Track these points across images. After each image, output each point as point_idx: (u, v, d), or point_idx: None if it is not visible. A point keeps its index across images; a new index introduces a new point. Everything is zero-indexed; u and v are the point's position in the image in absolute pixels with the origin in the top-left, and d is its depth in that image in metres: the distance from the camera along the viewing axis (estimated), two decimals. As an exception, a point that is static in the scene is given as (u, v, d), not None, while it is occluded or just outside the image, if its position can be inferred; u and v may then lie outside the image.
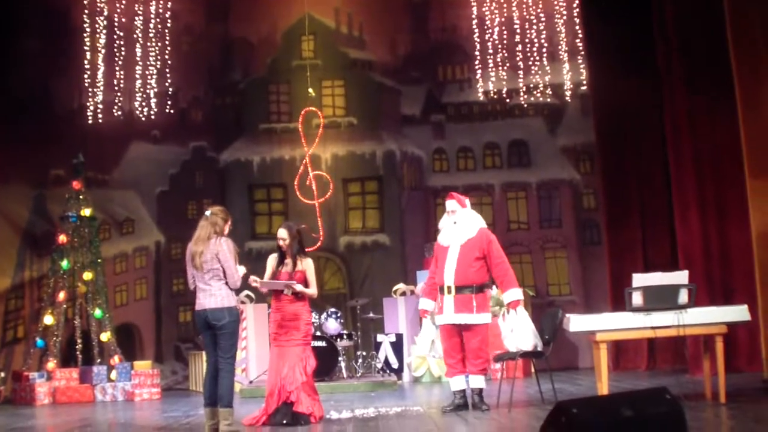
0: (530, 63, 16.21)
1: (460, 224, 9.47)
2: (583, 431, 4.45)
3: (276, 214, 16.37)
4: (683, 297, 8.62)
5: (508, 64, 16.30)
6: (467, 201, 9.67)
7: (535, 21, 16.20)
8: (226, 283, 8.18)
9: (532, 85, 16.30)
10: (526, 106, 16.46)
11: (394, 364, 14.35)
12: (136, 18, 16.36)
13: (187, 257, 8.33)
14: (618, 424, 4.51)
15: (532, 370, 13.55)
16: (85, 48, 16.10)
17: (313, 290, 9.21)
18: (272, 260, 9.26)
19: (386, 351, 14.48)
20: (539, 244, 16.27)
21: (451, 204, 9.58)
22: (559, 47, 16.16)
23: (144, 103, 16.26)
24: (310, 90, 16.01)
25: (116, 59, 16.20)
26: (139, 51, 16.19)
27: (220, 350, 8.18)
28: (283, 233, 9.15)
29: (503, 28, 16.26)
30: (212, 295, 8.16)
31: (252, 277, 8.90)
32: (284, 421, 8.74)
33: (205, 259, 8.15)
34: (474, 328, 9.25)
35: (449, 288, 9.28)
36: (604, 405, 4.85)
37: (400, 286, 14.73)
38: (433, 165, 16.59)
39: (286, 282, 9.01)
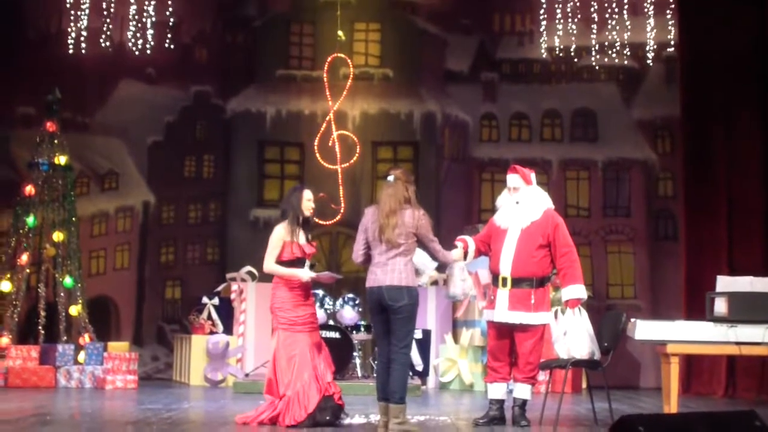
0: (606, 16, 16.04)
1: (524, 204, 9.42)
2: (652, 454, 4.32)
3: (289, 177, 16.33)
4: (779, 309, 8.56)
5: (579, 16, 16.16)
6: (533, 176, 9.62)
7: (615, -36, 16.06)
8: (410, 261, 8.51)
9: (606, 44, 16.16)
10: (597, 68, 16.37)
11: (419, 366, 14.30)
12: (135, -71, 16.29)
13: (369, 226, 8.55)
14: (694, 448, 4.38)
15: (584, 384, 13.52)
16: (69, -38, 16.06)
17: None
18: (284, 233, 9.13)
19: (410, 350, 14.42)
20: (601, 236, 16.23)
21: (513, 179, 9.52)
22: (644, -2, 16.02)
23: (138, 35, 16.19)
24: (340, 33, 15.91)
25: (107, -22, 16.17)
26: (135, -30, 16.16)
27: (394, 337, 8.46)
28: (312, 195, 9.28)
29: (576, -29, 16.14)
30: (392, 271, 8.42)
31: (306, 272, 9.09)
32: (336, 420, 8.95)
33: (399, 233, 8.41)
34: (530, 329, 9.23)
35: (504, 279, 9.26)
36: (677, 424, 4.72)
37: (433, 274, 14.61)
38: (480, 132, 16.55)
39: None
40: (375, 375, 8.88)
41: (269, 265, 9.09)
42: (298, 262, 9.09)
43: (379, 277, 8.46)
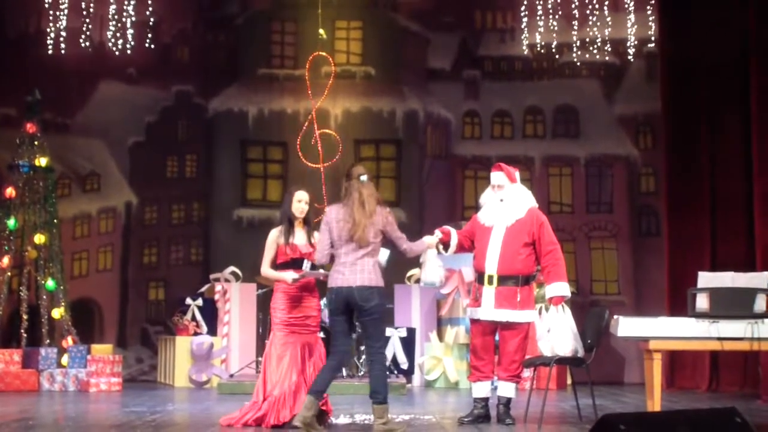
0: (587, 12, 16.10)
1: (508, 202, 9.43)
2: (633, 452, 4.38)
3: (272, 177, 16.35)
4: (760, 304, 8.56)
5: (560, 13, 16.20)
6: (517, 174, 9.63)
7: (596, -39, 16.09)
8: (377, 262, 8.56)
9: (587, 40, 16.23)
10: (579, 64, 16.42)
11: (404, 364, 14.33)
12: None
13: (333, 225, 8.52)
14: (676, 446, 4.43)
15: (569, 381, 13.56)
16: (47, -39, 16.02)
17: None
18: (276, 236, 9.16)
19: (395, 348, 14.43)
20: (584, 232, 16.28)
21: (498, 177, 9.51)
22: (625, -6, 16.06)
23: (118, 34, 16.16)
24: (321, 31, 15.89)
25: (86, -24, 16.13)
26: (114, -32, 16.12)
27: (370, 339, 8.56)
28: (306, 196, 9.22)
29: (557, -33, 16.17)
30: (362, 271, 8.45)
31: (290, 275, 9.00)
32: (320, 424, 8.79)
33: (368, 231, 8.46)
34: (515, 327, 9.25)
35: (490, 277, 9.26)
36: (658, 423, 4.76)
37: (416, 272, 14.64)
38: (462, 130, 16.60)
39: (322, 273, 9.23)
40: (323, 370, 8.69)
41: (262, 269, 9.15)
42: (293, 264, 9.08)
43: (348, 277, 8.44)
